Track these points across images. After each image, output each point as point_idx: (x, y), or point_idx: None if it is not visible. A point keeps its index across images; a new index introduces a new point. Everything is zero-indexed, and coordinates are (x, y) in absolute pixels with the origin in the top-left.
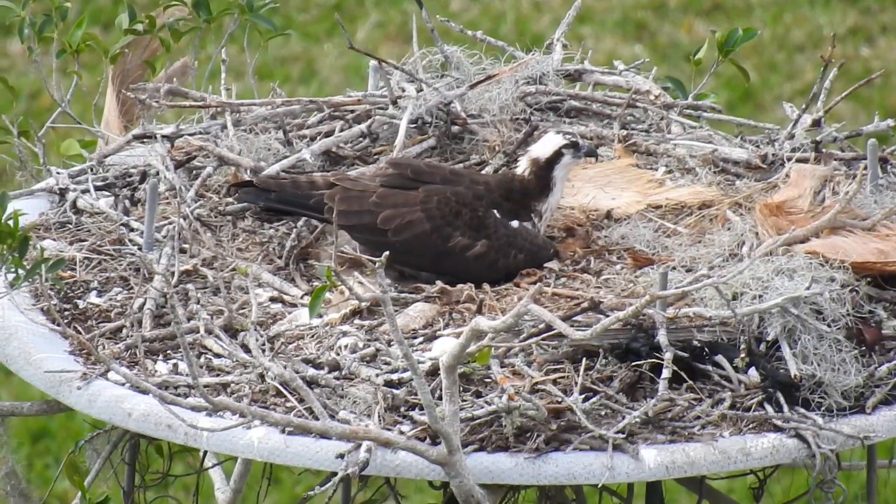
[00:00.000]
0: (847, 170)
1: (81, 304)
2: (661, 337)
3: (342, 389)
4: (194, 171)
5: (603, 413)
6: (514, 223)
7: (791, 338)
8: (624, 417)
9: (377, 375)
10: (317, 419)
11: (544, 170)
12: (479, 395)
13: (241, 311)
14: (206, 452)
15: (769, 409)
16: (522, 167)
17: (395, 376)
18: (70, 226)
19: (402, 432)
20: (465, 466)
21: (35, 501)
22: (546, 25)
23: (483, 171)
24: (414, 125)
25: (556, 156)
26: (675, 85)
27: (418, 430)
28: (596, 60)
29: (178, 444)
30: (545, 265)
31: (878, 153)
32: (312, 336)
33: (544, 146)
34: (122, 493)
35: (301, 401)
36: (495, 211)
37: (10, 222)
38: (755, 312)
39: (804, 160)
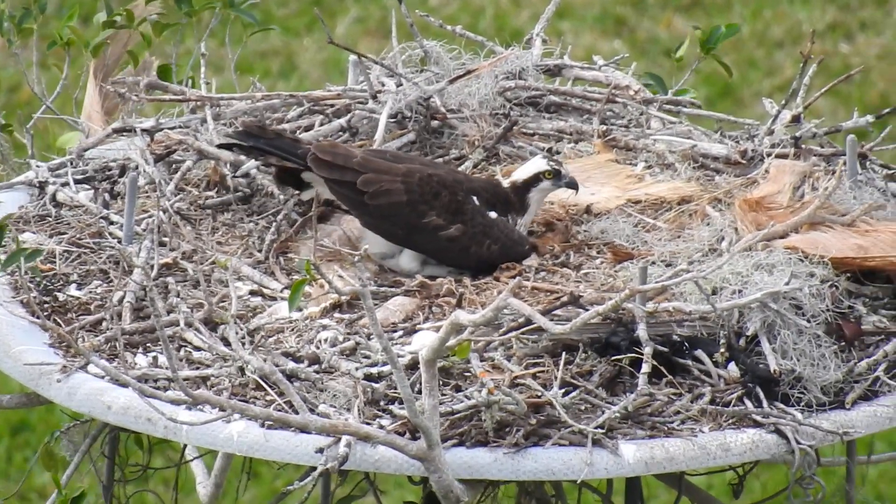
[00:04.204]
0: (826, 165)
1: (61, 296)
2: (641, 331)
3: (322, 383)
4: (174, 165)
5: (583, 408)
6: (493, 214)
7: (771, 333)
8: (603, 412)
9: (357, 369)
10: (296, 413)
11: (521, 191)
12: (458, 389)
13: (220, 305)
14: (185, 445)
15: (749, 404)
16: (505, 183)
17: (374, 370)
18: (50, 219)
19: (381, 426)
20: (445, 461)
21: None
22: (525, 20)
23: (461, 167)
24: (394, 120)
25: (534, 180)
26: (656, 81)
27: (398, 425)
28: (575, 55)
29: (157, 437)
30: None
31: (857, 149)
32: (292, 329)
33: (525, 168)
34: (100, 486)
35: (281, 394)
36: (475, 198)
37: None
38: (735, 307)
39: (784, 156)
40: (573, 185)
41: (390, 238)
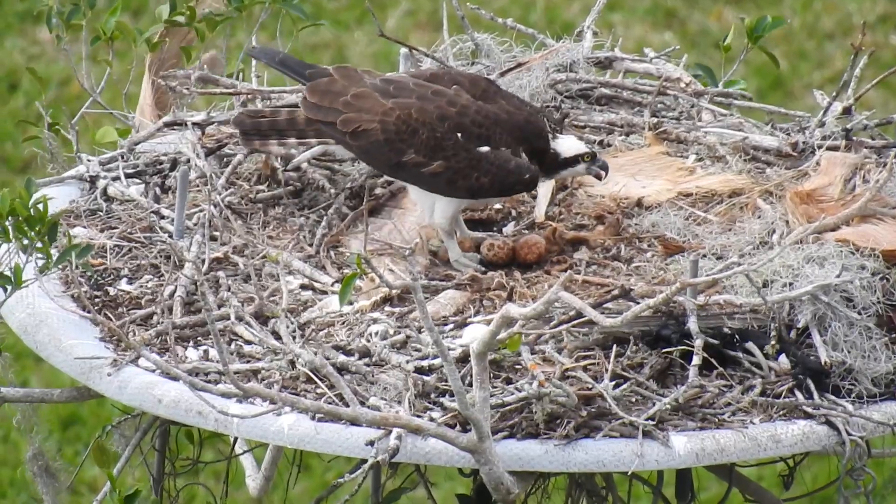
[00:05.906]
0: (878, 158)
1: (112, 291)
2: (692, 324)
3: (372, 376)
4: (225, 159)
5: (633, 400)
6: (484, 148)
7: (821, 325)
8: (654, 404)
9: (407, 362)
10: (347, 406)
11: (559, 164)
12: (509, 381)
13: (271, 299)
14: (236, 439)
15: (799, 395)
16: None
17: (425, 363)
18: (100, 213)
19: (432, 419)
20: (495, 453)
21: (63, 482)
22: (576, 13)
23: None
24: None
25: (574, 161)
26: (705, 72)
27: (448, 417)
28: (626, 48)
29: (208, 430)
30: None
31: None
32: (343, 323)
33: (568, 147)
34: (151, 480)
35: (331, 387)
36: (459, 135)
37: (40, 207)
38: (786, 300)
39: (835, 148)
40: (604, 168)
41: (382, 173)
